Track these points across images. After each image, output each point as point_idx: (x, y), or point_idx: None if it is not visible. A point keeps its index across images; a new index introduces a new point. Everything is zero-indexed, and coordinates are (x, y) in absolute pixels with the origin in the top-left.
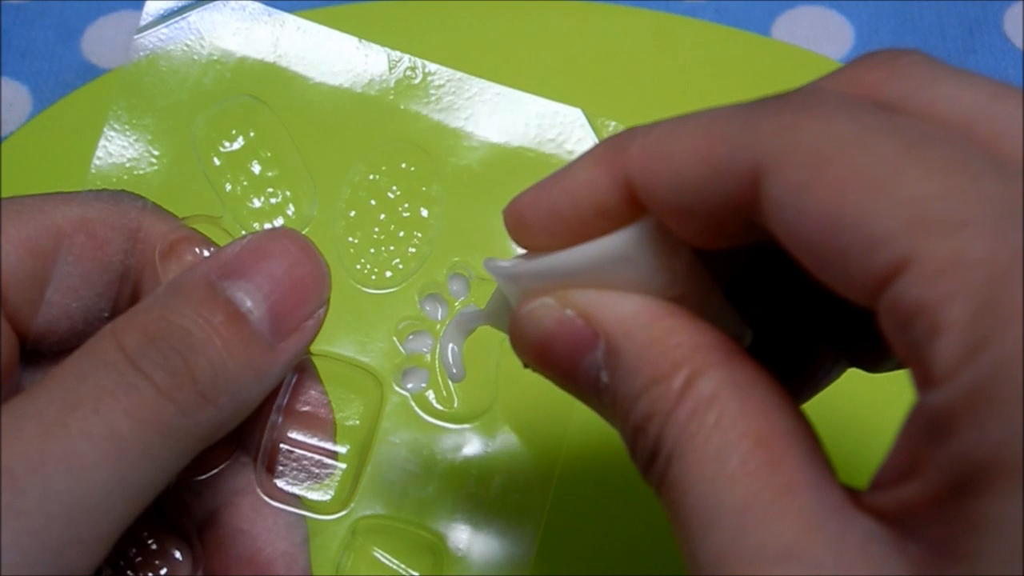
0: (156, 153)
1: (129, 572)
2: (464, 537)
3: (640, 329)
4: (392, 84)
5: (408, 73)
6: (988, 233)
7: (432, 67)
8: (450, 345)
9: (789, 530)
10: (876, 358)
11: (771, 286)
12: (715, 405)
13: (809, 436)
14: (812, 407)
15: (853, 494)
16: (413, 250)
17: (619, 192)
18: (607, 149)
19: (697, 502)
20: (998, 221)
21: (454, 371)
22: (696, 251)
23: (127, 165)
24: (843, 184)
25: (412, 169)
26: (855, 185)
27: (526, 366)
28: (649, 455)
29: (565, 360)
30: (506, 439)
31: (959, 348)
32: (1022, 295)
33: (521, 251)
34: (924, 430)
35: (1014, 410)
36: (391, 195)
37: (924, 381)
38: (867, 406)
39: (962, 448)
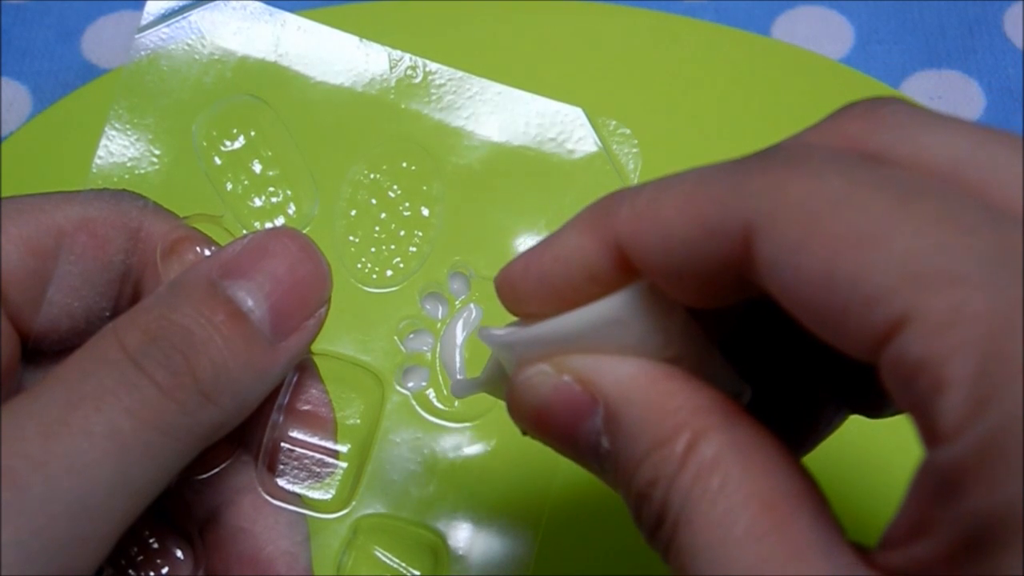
0: (157, 152)
1: (131, 571)
2: (465, 536)
3: (639, 393)
4: (393, 83)
5: (409, 72)
6: (986, 285)
7: (433, 66)
8: (454, 366)
9: None
10: (878, 405)
11: (767, 340)
12: (719, 469)
13: (815, 495)
14: (815, 459)
15: (863, 553)
16: (414, 249)
17: (609, 257)
18: (595, 214)
19: (705, 569)
20: (995, 273)
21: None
22: (690, 310)
23: (128, 164)
24: (837, 242)
25: (413, 168)
26: (849, 242)
27: (524, 433)
28: (655, 521)
29: (564, 426)
30: (507, 438)
31: (964, 405)
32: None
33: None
34: (933, 487)
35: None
36: (392, 194)
37: (931, 437)
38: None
39: (973, 506)
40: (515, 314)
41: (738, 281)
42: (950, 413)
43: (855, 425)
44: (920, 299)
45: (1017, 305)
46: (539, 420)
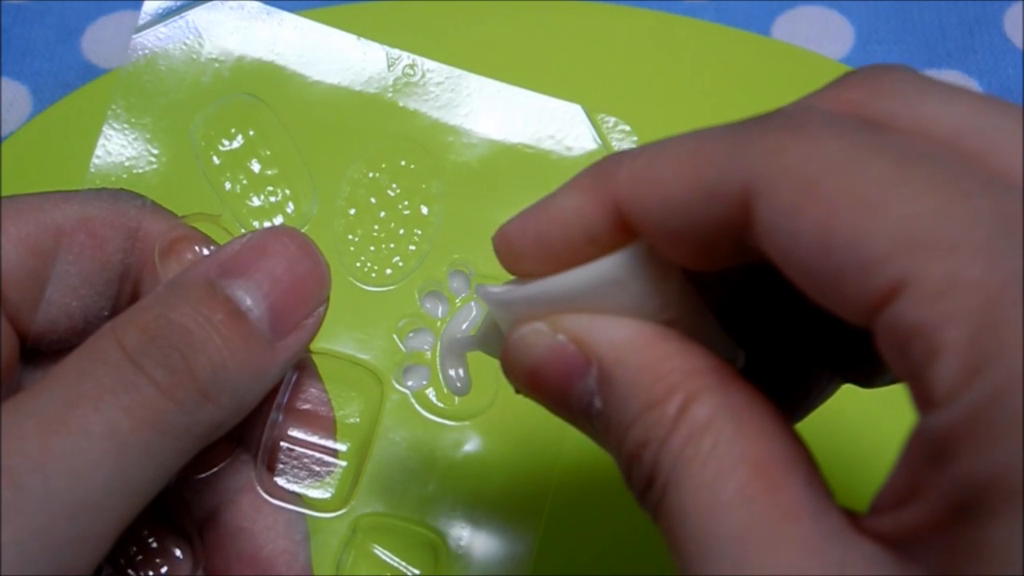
0: (155, 152)
1: (130, 570)
2: (464, 534)
3: (633, 354)
4: (391, 82)
5: (407, 71)
6: (983, 252)
7: (431, 64)
8: (457, 369)
9: (789, 558)
10: (871, 374)
11: (763, 306)
12: (711, 431)
13: (806, 460)
14: (806, 427)
15: (853, 518)
16: (413, 247)
17: (608, 218)
18: (594, 175)
19: (695, 530)
20: (992, 239)
21: (458, 385)
22: (687, 273)
23: (126, 164)
24: (835, 205)
25: (411, 166)
26: (847, 206)
27: (518, 391)
28: (645, 482)
29: (557, 386)
30: (506, 436)
31: (958, 371)
32: (1021, 315)
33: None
34: (925, 453)
35: (1015, 433)
36: (391, 193)
37: (924, 403)
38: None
39: (963, 471)
40: (512, 273)
41: (736, 244)
42: (944, 379)
43: (846, 394)
44: (917, 265)
45: (1014, 273)
46: (533, 379)
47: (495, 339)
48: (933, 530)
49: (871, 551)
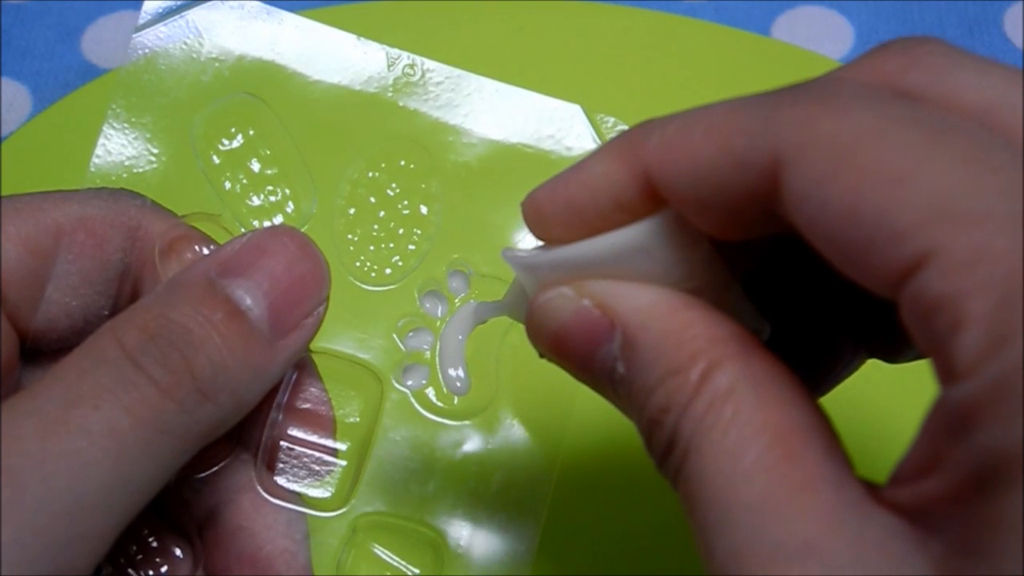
0: (155, 151)
1: (130, 570)
2: (465, 534)
3: (657, 320)
4: (391, 81)
5: (407, 70)
6: (1010, 225)
7: (431, 64)
8: (457, 370)
9: (808, 527)
10: (896, 349)
11: (790, 278)
12: (732, 398)
13: (827, 431)
14: (828, 400)
15: (872, 489)
16: (412, 247)
17: (637, 185)
18: (624, 142)
19: (713, 497)
20: (1019, 213)
21: (458, 385)
22: (715, 243)
23: (126, 163)
24: (864, 176)
25: (411, 166)
26: (876, 177)
27: (542, 356)
28: (665, 447)
29: (581, 350)
30: (506, 435)
31: (982, 343)
32: None
33: (539, 244)
34: (946, 425)
35: None
36: (390, 192)
37: (946, 375)
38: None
39: (984, 444)
40: (540, 238)
41: (764, 213)
42: (967, 351)
43: (869, 367)
44: (944, 236)
45: None
46: (557, 343)
47: (520, 304)
48: (952, 502)
49: (889, 522)
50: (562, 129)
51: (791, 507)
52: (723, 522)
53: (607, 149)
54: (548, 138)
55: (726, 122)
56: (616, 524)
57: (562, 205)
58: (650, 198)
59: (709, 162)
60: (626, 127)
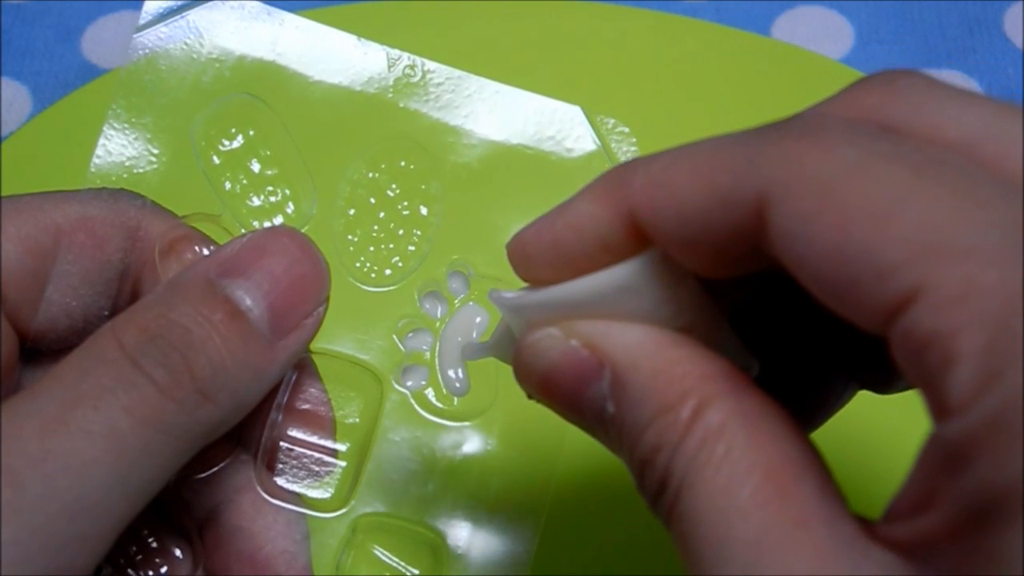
0: (155, 152)
1: (129, 570)
2: (464, 535)
3: (646, 359)
4: (391, 82)
5: (407, 71)
6: (998, 259)
7: (431, 65)
8: (457, 370)
9: (803, 564)
10: (887, 380)
11: (778, 313)
12: (724, 436)
13: (820, 466)
14: (819, 433)
15: (867, 525)
16: (412, 248)
17: (622, 225)
18: (609, 182)
19: (708, 535)
20: (1007, 245)
21: (457, 386)
22: (702, 281)
23: (126, 164)
24: (850, 212)
25: (411, 167)
26: (862, 213)
27: (530, 397)
28: (657, 487)
29: (570, 391)
30: (506, 437)
31: (973, 379)
32: None
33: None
34: (940, 461)
35: None
36: (390, 193)
37: (939, 411)
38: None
39: (979, 480)
40: (526, 280)
41: (751, 251)
42: (959, 387)
43: (861, 401)
44: (932, 272)
45: None
46: (545, 384)
47: (508, 345)
48: (948, 538)
49: (885, 558)
50: (562, 130)
51: (786, 544)
52: (717, 559)
53: (592, 189)
54: (548, 139)
55: (710, 160)
56: (616, 526)
57: (548, 246)
58: (636, 237)
59: (694, 201)
60: (626, 129)
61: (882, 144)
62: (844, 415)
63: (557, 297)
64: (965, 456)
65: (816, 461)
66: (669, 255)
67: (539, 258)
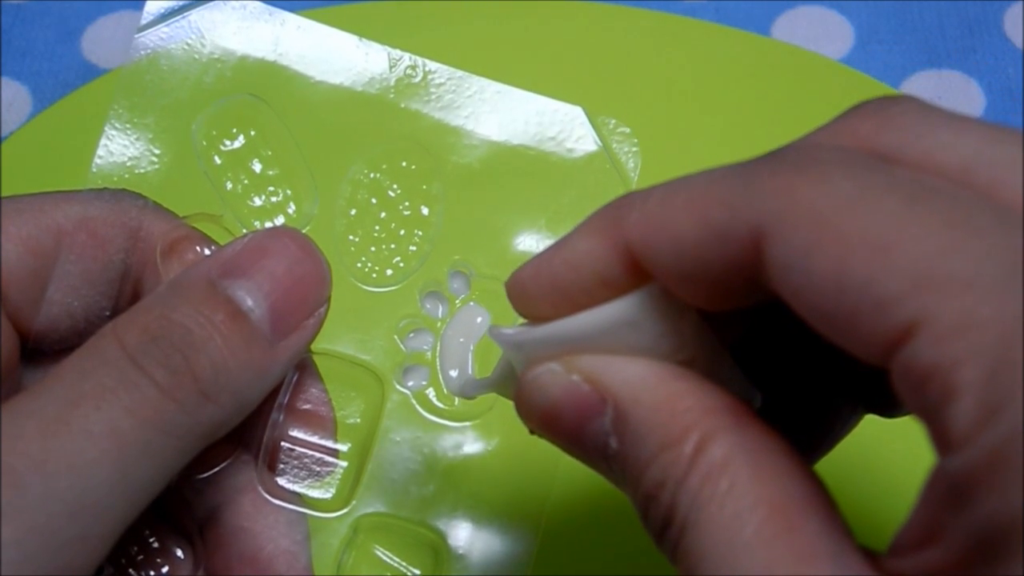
0: (157, 152)
1: (131, 570)
2: (465, 535)
3: (648, 393)
4: (392, 82)
5: (408, 72)
6: (997, 290)
7: (432, 65)
8: (461, 368)
9: None
10: (891, 404)
11: (779, 343)
12: (728, 471)
13: (825, 500)
14: (824, 465)
15: (872, 558)
16: (414, 248)
17: (620, 261)
18: (605, 218)
19: (714, 571)
20: (1006, 276)
21: (465, 389)
22: (702, 314)
23: (128, 164)
24: (847, 245)
25: (413, 167)
26: (859, 246)
27: (532, 432)
28: (662, 523)
29: (572, 426)
30: (508, 437)
31: (975, 412)
32: None
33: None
34: (944, 494)
35: None
36: (392, 193)
37: (942, 444)
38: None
39: (984, 513)
40: (526, 317)
41: (749, 284)
42: (961, 420)
43: (866, 430)
44: (931, 304)
45: None
46: (547, 419)
47: (509, 381)
48: (953, 572)
49: None
50: (564, 131)
51: None
52: None
53: (588, 225)
54: (550, 140)
55: (705, 194)
56: (616, 526)
57: (546, 283)
58: (634, 272)
59: (690, 236)
60: (627, 129)
61: (877, 175)
62: (849, 445)
63: (557, 333)
64: (969, 490)
65: (821, 494)
66: (668, 289)
67: (538, 295)
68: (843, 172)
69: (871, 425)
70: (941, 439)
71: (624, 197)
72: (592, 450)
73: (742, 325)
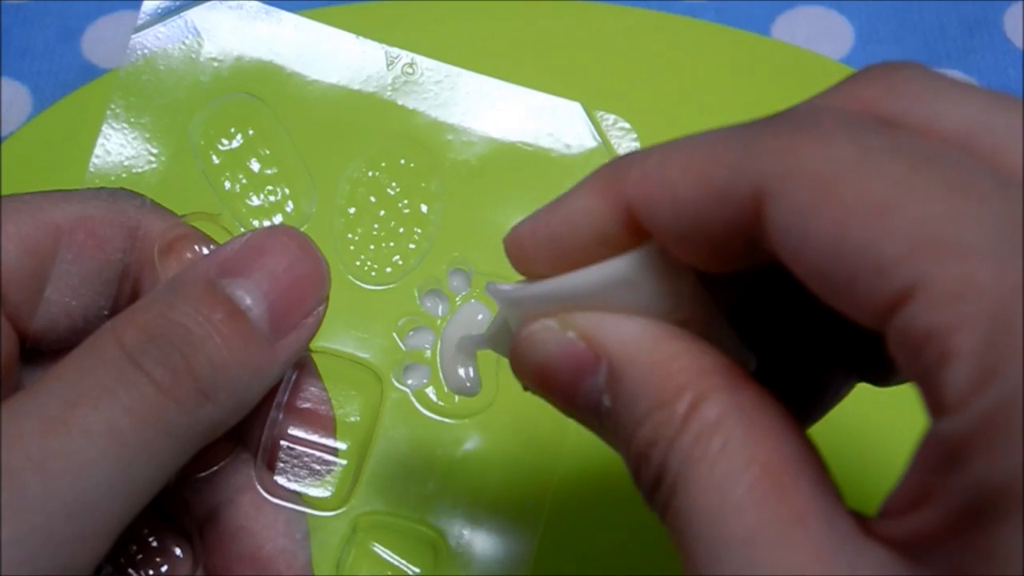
0: (155, 151)
1: (130, 570)
2: (465, 533)
3: (643, 352)
4: (390, 80)
5: (406, 69)
6: (996, 256)
7: (429, 63)
8: (467, 369)
9: (799, 561)
10: (886, 373)
11: (776, 307)
12: (720, 431)
13: (816, 462)
14: (816, 429)
15: (863, 522)
16: (412, 246)
17: (619, 219)
18: (605, 176)
19: (703, 531)
20: (1005, 242)
21: (467, 385)
22: (700, 275)
23: (126, 163)
24: (847, 208)
25: (411, 165)
26: (859, 209)
27: (526, 389)
28: (653, 482)
29: (566, 383)
30: (507, 435)
31: (970, 376)
32: None
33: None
34: (937, 458)
35: None
36: (390, 191)
37: (935, 408)
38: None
39: (975, 477)
40: (523, 274)
41: (748, 246)
42: (955, 384)
43: (858, 396)
44: (929, 269)
45: None
46: (541, 376)
47: (505, 338)
48: (943, 535)
49: (881, 555)
50: (562, 127)
51: (782, 542)
52: (712, 557)
53: (588, 183)
54: (548, 136)
55: (706, 155)
56: (616, 525)
57: (544, 240)
58: (633, 231)
59: (690, 196)
60: (627, 124)
61: (879, 138)
62: (842, 411)
63: (554, 290)
64: (962, 453)
65: (813, 457)
66: (667, 249)
67: (536, 252)
68: (845, 135)
69: (863, 391)
70: (935, 403)
71: (625, 156)
72: (585, 408)
73: (739, 288)
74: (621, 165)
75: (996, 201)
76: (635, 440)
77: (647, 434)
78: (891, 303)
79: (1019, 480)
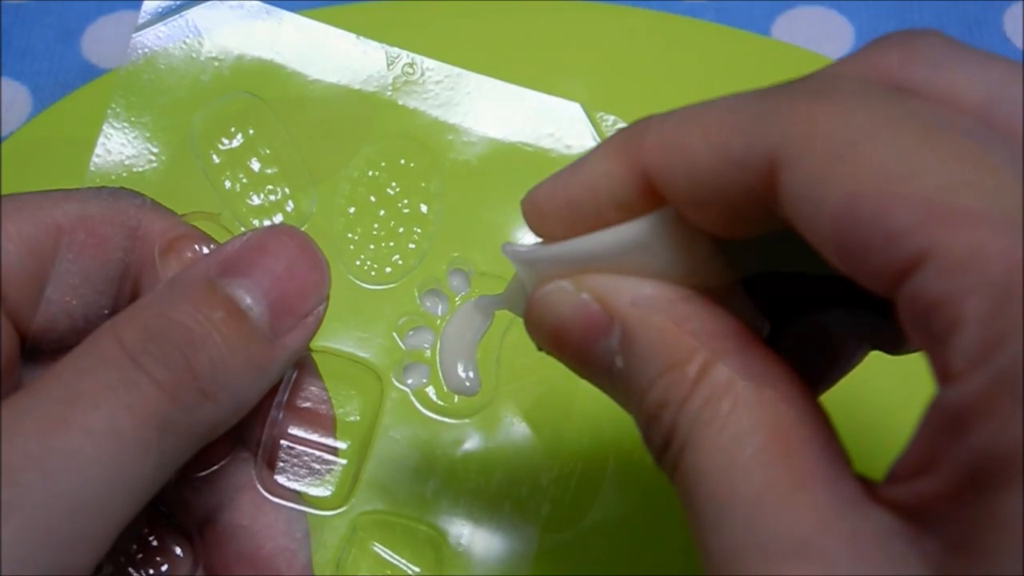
0: (155, 150)
1: (130, 569)
2: (465, 532)
3: (656, 315)
4: (390, 80)
5: (406, 69)
6: (1007, 226)
7: (430, 63)
8: (467, 370)
9: (804, 524)
10: (898, 341)
11: (790, 273)
12: (730, 393)
13: (825, 427)
14: (827, 394)
15: (869, 487)
16: (412, 246)
17: (636, 183)
18: (622, 140)
19: (710, 492)
20: (1017, 213)
21: (467, 385)
22: (715, 240)
23: (126, 163)
24: (860, 176)
25: (411, 165)
26: (872, 177)
27: (540, 349)
28: (663, 442)
29: (580, 344)
30: (507, 434)
31: (978, 343)
32: None
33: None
34: (943, 424)
35: None
36: (390, 191)
37: (943, 375)
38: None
39: (980, 443)
40: (539, 236)
41: (763, 212)
42: (963, 352)
43: (869, 363)
44: (940, 237)
45: None
46: (555, 337)
47: (520, 298)
48: (949, 501)
49: (885, 520)
50: (562, 127)
51: (787, 504)
52: (719, 519)
53: (605, 147)
54: (548, 136)
55: (723, 121)
56: (617, 523)
57: (561, 203)
58: (649, 196)
59: (706, 162)
60: (626, 125)
61: (895, 106)
62: (852, 377)
63: (570, 251)
64: (967, 420)
65: (821, 422)
66: (682, 214)
67: (552, 215)
68: (861, 103)
69: (875, 358)
70: (942, 370)
71: (642, 121)
72: (598, 368)
73: (754, 253)
74: (639, 130)
75: (1009, 171)
76: (646, 401)
77: (658, 395)
78: (901, 271)
79: (1021, 448)
